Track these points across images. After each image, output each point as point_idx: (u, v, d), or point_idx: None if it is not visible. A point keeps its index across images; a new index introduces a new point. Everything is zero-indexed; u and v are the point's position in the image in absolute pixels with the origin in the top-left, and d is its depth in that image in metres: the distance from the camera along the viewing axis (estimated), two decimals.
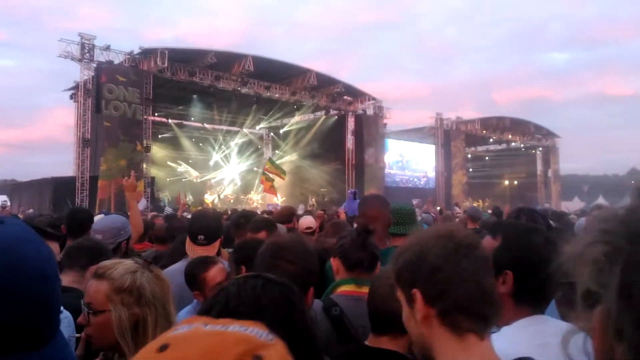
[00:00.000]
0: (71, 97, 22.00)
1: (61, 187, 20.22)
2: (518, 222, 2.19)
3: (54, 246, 2.45)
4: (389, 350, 1.75)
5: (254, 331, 0.55)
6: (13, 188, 30.97)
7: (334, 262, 2.42)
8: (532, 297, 1.53)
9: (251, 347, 0.52)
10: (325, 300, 2.21)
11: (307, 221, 5.46)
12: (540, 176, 38.20)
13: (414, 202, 13.71)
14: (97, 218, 4.36)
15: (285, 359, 0.54)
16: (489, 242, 1.61)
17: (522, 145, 37.44)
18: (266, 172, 15.58)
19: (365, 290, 2.21)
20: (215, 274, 2.59)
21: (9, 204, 15.25)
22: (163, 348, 0.52)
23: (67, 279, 2.35)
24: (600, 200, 30.48)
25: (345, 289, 2.31)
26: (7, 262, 0.75)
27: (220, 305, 1.21)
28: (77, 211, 4.14)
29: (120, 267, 1.56)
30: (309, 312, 1.28)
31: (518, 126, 35.61)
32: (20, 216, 7.85)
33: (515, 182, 38.44)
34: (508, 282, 1.51)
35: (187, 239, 3.28)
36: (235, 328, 0.55)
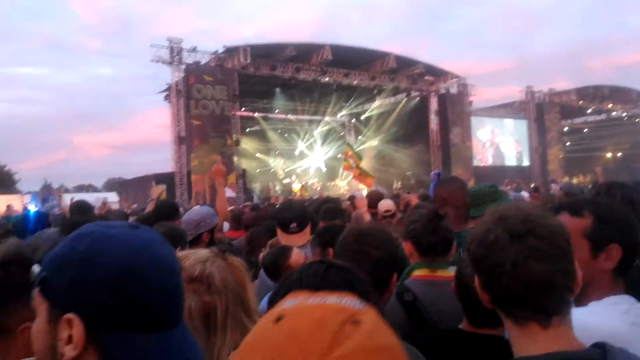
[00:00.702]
0: (165, 98, 23.47)
1: (162, 182, 21.68)
2: (597, 199, 2.08)
3: None
4: (488, 335, 1.66)
5: (349, 301, 0.65)
6: (121, 185, 33.81)
7: (406, 246, 2.40)
8: (628, 271, 1.49)
9: (349, 315, 0.61)
10: (399, 286, 2.14)
11: (386, 204, 5.51)
12: None
13: (505, 183, 13.10)
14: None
15: (378, 322, 0.62)
16: (568, 220, 1.50)
17: (624, 114, 34.42)
18: (347, 159, 15.66)
19: (440, 273, 2.25)
20: (297, 258, 2.68)
21: (111, 199, 16.63)
22: (279, 319, 0.62)
23: None
24: None
25: (419, 274, 2.28)
26: (145, 258, 0.89)
27: (283, 290, 1.34)
28: (162, 206, 4.40)
29: (193, 257, 1.58)
30: (378, 299, 1.27)
31: (618, 94, 32.72)
32: (127, 211, 8.66)
33: (619, 154, 35.42)
34: (615, 257, 1.45)
35: (278, 229, 3.37)
36: (333, 299, 0.65)
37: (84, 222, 1.06)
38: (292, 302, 0.67)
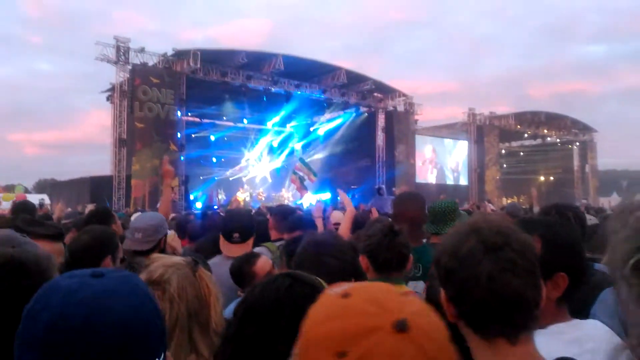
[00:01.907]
0: (107, 98, 22.61)
1: (99, 186, 20.81)
2: (545, 220, 2.07)
3: (58, 246, 2.40)
4: None
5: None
6: (53, 187, 32.07)
7: (363, 260, 2.39)
8: (573, 300, 1.44)
9: (399, 289, 0.76)
10: None
11: (337, 216, 5.49)
12: (577, 172, 37.18)
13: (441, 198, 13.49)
14: (134, 217, 4.49)
15: (422, 301, 0.76)
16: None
17: (558, 140, 36.52)
18: (297, 172, 15.62)
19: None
20: (263, 265, 2.64)
21: (47, 202, 15.74)
22: (346, 295, 0.73)
23: None
24: None
25: None
26: (92, 316, 0.76)
27: (247, 302, 1.29)
28: (96, 212, 4.14)
29: (161, 261, 1.54)
30: None
31: (554, 120, 34.71)
32: (58, 214, 8.14)
33: (552, 178, 37.50)
34: (561, 286, 1.41)
35: (221, 237, 3.32)
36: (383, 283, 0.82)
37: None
38: (342, 286, 0.77)
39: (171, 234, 4.71)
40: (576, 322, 1.41)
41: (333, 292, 0.75)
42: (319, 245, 1.95)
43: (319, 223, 4.03)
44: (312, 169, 16.12)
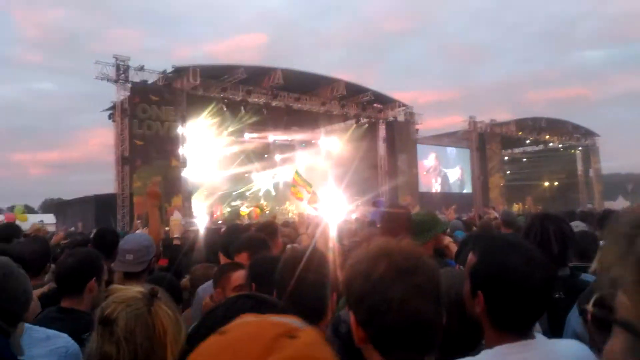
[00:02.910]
0: (109, 117, 22.77)
1: (103, 204, 20.90)
2: (499, 236, 2.00)
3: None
4: None
5: (290, 320, 0.71)
6: (58, 206, 32.24)
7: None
8: (512, 321, 1.38)
9: (287, 329, 0.67)
10: (334, 317, 2.12)
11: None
12: (581, 176, 37.00)
13: (448, 209, 13.38)
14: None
15: (316, 339, 0.67)
16: (470, 257, 1.51)
17: (560, 146, 36.41)
18: (295, 185, 15.67)
19: None
20: (239, 277, 2.64)
21: (48, 221, 15.73)
22: (223, 332, 0.69)
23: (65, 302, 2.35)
24: None
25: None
26: None
27: (207, 324, 1.28)
28: (105, 233, 4.16)
29: (117, 294, 1.41)
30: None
31: (555, 126, 34.64)
32: (61, 234, 8.19)
33: (556, 183, 37.34)
34: (480, 303, 1.39)
35: (221, 254, 3.31)
36: (275, 319, 0.72)
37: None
38: (239, 320, 0.73)
39: (175, 220, 4.72)
40: (532, 342, 1.37)
41: (220, 329, 0.71)
42: (297, 260, 1.94)
43: (304, 238, 4.01)
44: (307, 182, 16.13)
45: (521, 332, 1.37)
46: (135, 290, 1.41)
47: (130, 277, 3.07)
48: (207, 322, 1.30)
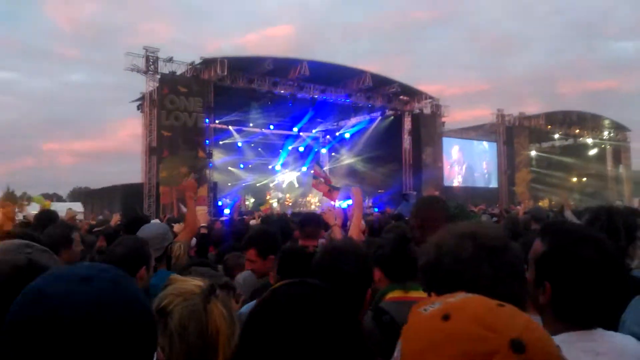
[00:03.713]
0: (138, 107, 23.13)
1: (130, 193, 21.32)
2: (570, 227, 1.97)
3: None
4: None
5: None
6: (86, 195, 32.98)
7: (375, 272, 2.35)
8: (577, 314, 1.35)
9: (498, 302, 0.71)
10: (374, 308, 2.12)
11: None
12: (611, 172, 36.13)
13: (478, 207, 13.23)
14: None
15: (531, 320, 0.70)
16: (537, 246, 1.44)
17: (590, 140, 35.58)
18: (316, 176, 15.74)
19: (413, 294, 2.21)
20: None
21: (75, 209, 15.97)
22: (446, 317, 0.68)
23: None
24: None
25: (393, 296, 2.27)
26: (79, 326, 0.75)
27: (267, 315, 1.25)
28: (135, 220, 4.19)
29: (176, 285, 1.36)
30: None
31: (586, 120, 33.87)
32: (92, 222, 8.40)
33: (584, 179, 36.53)
34: (546, 295, 1.35)
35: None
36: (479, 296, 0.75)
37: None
38: (441, 301, 0.73)
39: (201, 209, 4.80)
40: (595, 332, 1.35)
41: (429, 313, 0.70)
42: (337, 253, 1.95)
43: (336, 230, 4.02)
44: (327, 174, 16.12)
45: (586, 325, 1.34)
46: (193, 283, 1.37)
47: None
48: (266, 312, 1.24)
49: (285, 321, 1.02)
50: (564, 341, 1.28)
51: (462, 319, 0.67)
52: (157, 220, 6.92)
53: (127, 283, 0.84)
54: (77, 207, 28.78)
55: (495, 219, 7.84)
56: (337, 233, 4.07)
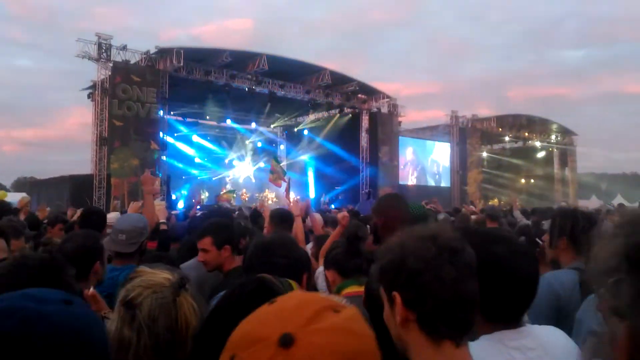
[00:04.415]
0: (89, 96, 22.29)
1: (79, 185, 20.51)
2: (484, 230, 2.04)
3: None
4: None
5: (337, 298, 0.77)
6: (32, 185, 31.51)
7: (329, 274, 2.46)
8: (501, 311, 1.40)
9: (332, 304, 0.73)
10: None
11: (316, 218, 5.49)
12: (557, 174, 37.72)
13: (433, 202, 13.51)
14: (111, 215, 4.42)
15: (358, 316, 0.72)
16: None
17: (538, 143, 37.00)
18: (273, 171, 15.77)
19: None
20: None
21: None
22: (271, 302, 0.74)
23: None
24: (619, 200, 29.95)
25: (351, 290, 2.32)
26: (83, 343, 0.81)
27: (226, 307, 1.25)
28: (91, 212, 4.11)
29: (144, 277, 1.33)
30: None
31: (535, 124, 35.19)
32: (39, 214, 7.99)
33: (532, 181, 37.99)
34: None
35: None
36: (324, 295, 0.78)
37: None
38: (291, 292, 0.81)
39: (160, 204, 4.67)
40: (524, 329, 1.41)
41: (272, 299, 0.76)
42: (267, 247, 2.02)
43: (298, 221, 4.01)
44: (282, 170, 16.16)
45: (513, 322, 1.41)
46: (162, 276, 1.34)
47: (121, 257, 3.05)
48: (226, 305, 1.25)
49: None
50: (496, 340, 1.37)
51: (276, 306, 0.73)
52: (116, 214, 6.65)
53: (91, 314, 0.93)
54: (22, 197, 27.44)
55: (452, 218, 8.03)
56: (299, 224, 4.08)
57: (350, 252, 2.40)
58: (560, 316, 2.36)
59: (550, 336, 1.46)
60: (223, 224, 3.21)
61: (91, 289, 1.98)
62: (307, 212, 5.21)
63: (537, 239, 3.74)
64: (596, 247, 0.80)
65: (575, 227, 2.58)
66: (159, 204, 4.31)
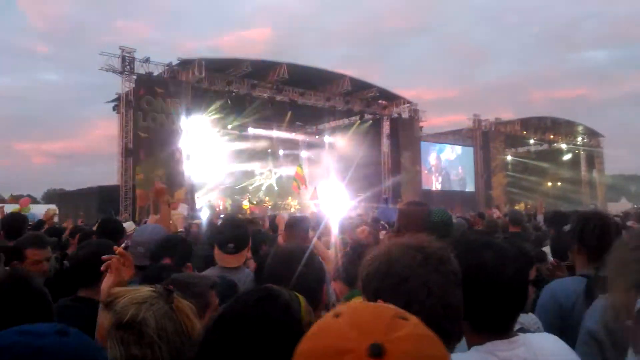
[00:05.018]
0: (114, 108, 22.77)
1: (106, 195, 20.89)
2: (475, 238, 2.02)
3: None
4: None
5: (389, 305, 0.80)
6: (61, 197, 32.25)
7: (336, 286, 2.47)
8: (491, 319, 1.38)
9: (398, 312, 0.75)
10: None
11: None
12: (585, 177, 36.92)
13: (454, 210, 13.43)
14: (125, 225, 4.48)
15: (420, 325, 0.75)
16: None
17: (564, 146, 36.30)
18: (296, 179, 15.79)
19: None
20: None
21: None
22: (337, 315, 0.74)
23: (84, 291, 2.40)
24: None
25: (357, 300, 2.33)
26: None
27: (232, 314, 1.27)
28: (107, 222, 4.17)
29: (129, 296, 1.31)
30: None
31: (560, 126, 34.56)
32: (66, 226, 8.19)
33: (559, 184, 37.24)
34: None
35: (216, 247, 3.25)
36: (381, 303, 0.82)
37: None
38: (346, 304, 0.81)
39: (177, 213, 4.69)
40: (517, 339, 1.38)
41: (332, 311, 0.77)
42: (288, 257, 2.02)
43: (280, 238, 4.02)
44: (305, 178, 16.16)
45: (501, 332, 1.37)
46: (146, 289, 1.35)
47: (139, 270, 3.04)
48: (233, 311, 1.28)
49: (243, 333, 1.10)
50: (486, 351, 1.32)
51: (345, 319, 0.73)
52: (131, 223, 6.80)
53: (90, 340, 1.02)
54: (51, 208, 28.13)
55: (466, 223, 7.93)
56: (280, 239, 4.10)
57: (355, 262, 2.41)
58: (565, 325, 2.28)
59: (546, 345, 1.41)
60: (183, 241, 3.27)
61: (122, 245, 2.08)
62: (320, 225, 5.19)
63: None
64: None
65: (585, 231, 2.46)
66: (177, 214, 4.37)
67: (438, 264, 1.14)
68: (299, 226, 4.06)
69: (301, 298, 1.38)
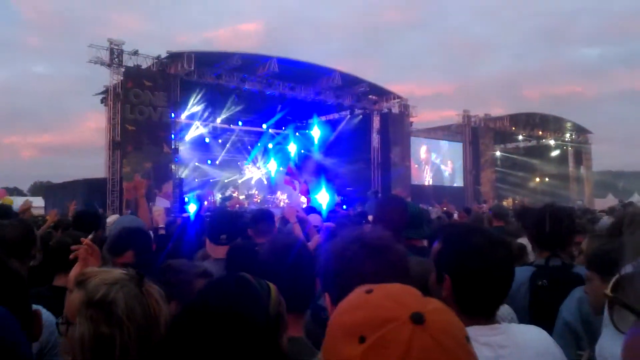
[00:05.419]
0: (102, 101, 22.57)
1: (93, 188, 20.74)
2: (461, 224, 2.05)
3: None
4: None
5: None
6: (47, 189, 31.99)
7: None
8: (478, 303, 1.40)
9: (418, 291, 0.82)
10: (313, 307, 2.16)
11: (314, 219, 5.48)
12: (572, 173, 37.27)
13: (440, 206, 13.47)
14: (110, 220, 4.50)
15: (441, 302, 0.81)
16: (436, 246, 1.54)
17: (553, 142, 36.61)
18: (289, 173, 15.78)
19: None
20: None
21: (36, 204, 15.51)
22: (369, 291, 0.81)
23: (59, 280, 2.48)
24: (636, 198, 29.47)
25: None
26: None
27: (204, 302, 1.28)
28: (82, 214, 4.27)
29: (101, 276, 1.35)
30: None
31: (548, 122, 34.83)
32: (49, 218, 8.11)
33: (547, 179, 37.57)
34: (446, 287, 1.42)
35: (207, 240, 3.27)
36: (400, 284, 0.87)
37: None
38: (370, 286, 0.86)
39: (158, 209, 4.73)
40: (498, 326, 1.41)
41: (360, 289, 0.85)
42: (281, 247, 1.99)
43: (296, 228, 4.00)
44: (298, 172, 16.20)
45: (487, 317, 1.41)
46: (118, 271, 1.38)
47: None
48: (208, 295, 1.29)
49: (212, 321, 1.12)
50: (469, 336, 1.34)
51: (379, 293, 0.80)
52: (116, 216, 6.81)
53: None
54: (38, 201, 27.91)
55: (448, 217, 8.07)
56: (297, 230, 4.06)
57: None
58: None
59: (528, 335, 1.43)
60: (143, 232, 3.32)
61: (90, 237, 2.15)
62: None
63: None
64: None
65: (540, 224, 2.59)
66: (158, 209, 4.38)
67: (372, 254, 1.18)
68: (265, 221, 4.05)
69: (272, 288, 1.39)
